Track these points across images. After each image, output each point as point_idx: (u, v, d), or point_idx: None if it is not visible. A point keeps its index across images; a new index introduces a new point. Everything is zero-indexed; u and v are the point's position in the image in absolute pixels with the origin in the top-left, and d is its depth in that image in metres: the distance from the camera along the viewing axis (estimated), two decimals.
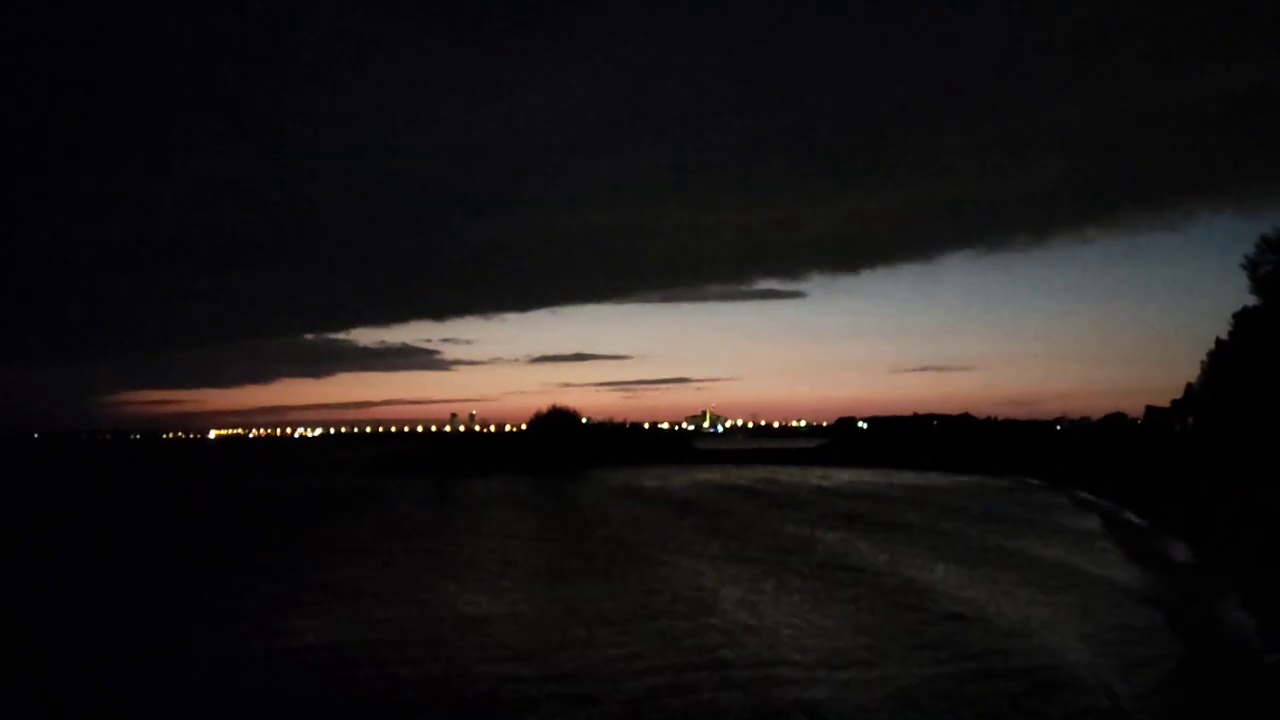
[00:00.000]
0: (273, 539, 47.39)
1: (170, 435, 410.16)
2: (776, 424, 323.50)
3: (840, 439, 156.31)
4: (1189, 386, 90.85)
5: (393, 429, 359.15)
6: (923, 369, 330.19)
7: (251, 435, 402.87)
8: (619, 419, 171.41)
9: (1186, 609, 26.21)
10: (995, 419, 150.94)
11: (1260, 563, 29.81)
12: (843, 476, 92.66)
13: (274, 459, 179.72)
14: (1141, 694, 18.05)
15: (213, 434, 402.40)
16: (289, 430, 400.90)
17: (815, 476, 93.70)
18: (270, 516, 60.77)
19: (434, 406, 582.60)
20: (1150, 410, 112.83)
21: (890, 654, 20.89)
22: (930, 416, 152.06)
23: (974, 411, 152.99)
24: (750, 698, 17.83)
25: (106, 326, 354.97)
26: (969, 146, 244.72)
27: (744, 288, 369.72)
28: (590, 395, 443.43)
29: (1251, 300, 63.81)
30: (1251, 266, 61.27)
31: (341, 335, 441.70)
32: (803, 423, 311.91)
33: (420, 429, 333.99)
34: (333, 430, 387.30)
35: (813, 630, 23.47)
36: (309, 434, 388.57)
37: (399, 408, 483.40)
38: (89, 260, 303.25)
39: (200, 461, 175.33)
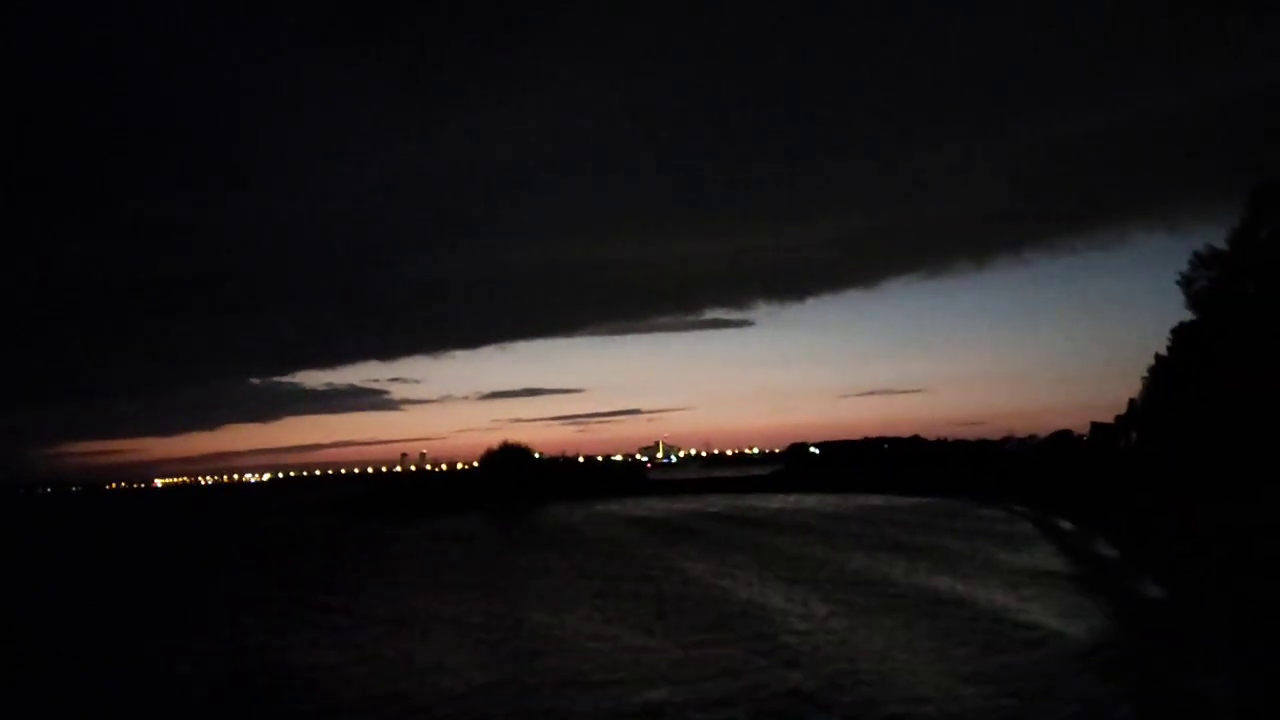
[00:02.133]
0: (220, 589, 46.31)
1: (113, 486, 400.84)
2: (730, 452, 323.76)
3: (794, 465, 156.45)
4: (1132, 402, 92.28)
5: (342, 471, 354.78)
6: (871, 393, 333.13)
7: (200, 482, 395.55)
8: (571, 453, 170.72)
9: (1130, 617, 26.47)
10: (945, 440, 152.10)
11: (1199, 573, 30.16)
12: (809, 502, 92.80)
13: (221, 506, 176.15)
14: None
15: (159, 483, 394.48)
16: (236, 476, 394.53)
17: (781, 501, 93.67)
18: (218, 566, 59.44)
19: (384, 447, 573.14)
20: (1095, 427, 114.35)
21: None
22: (881, 440, 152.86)
23: (924, 433, 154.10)
24: None
25: (43, 376, 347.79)
26: (907, 174, 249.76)
27: (692, 318, 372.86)
28: (542, 430, 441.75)
29: (1188, 316, 65.13)
30: (1186, 283, 62.52)
31: (287, 378, 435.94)
32: (756, 450, 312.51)
33: (370, 470, 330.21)
34: (281, 475, 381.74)
35: None
36: (257, 479, 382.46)
37: (348, 449, 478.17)
38: (23, 309, 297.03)
39: (145, 512, 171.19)
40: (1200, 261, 61.42)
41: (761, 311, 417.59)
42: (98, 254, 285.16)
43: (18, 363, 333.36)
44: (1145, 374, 79.79)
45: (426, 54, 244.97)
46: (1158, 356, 74.41)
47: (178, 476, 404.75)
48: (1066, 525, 56.66)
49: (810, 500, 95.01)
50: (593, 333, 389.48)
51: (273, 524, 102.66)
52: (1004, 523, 61.71)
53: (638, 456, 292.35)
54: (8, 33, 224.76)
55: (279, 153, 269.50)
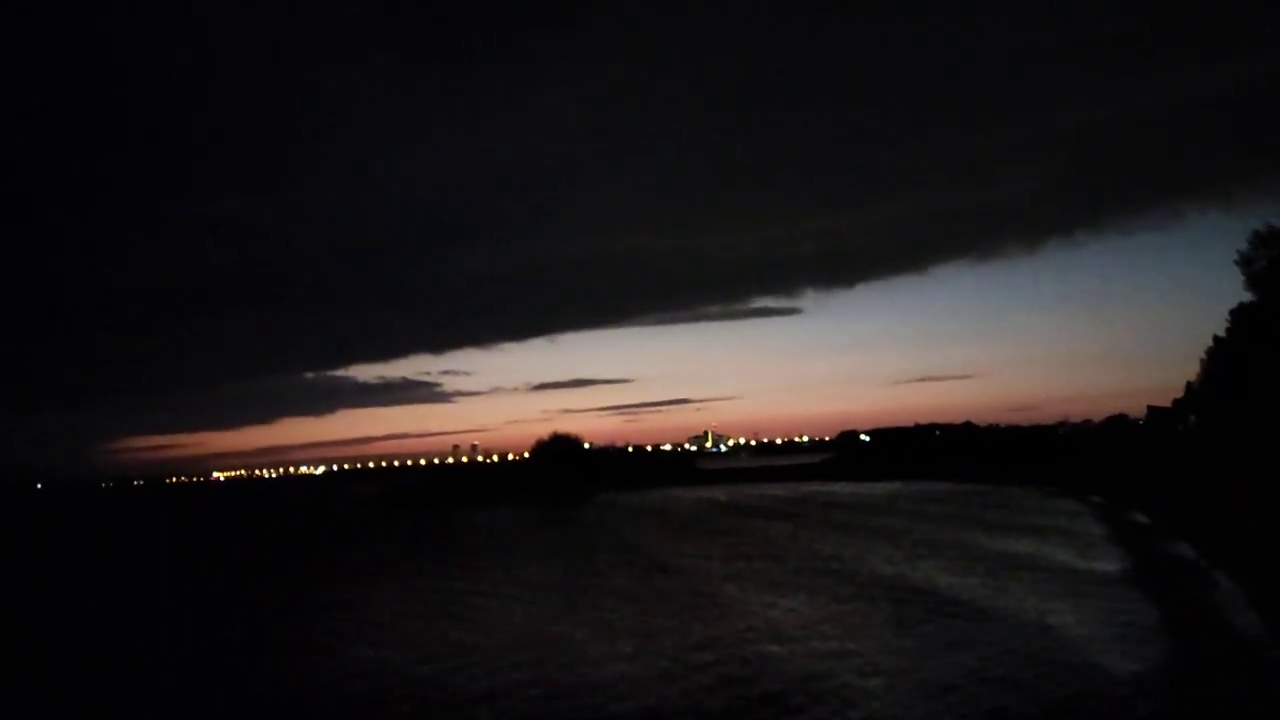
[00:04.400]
0: (282, 579, 47.25)
1: (173, 479, 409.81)
2: (779, 440, 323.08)
3: (844, 453, 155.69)
4: (1189, 385, 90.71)
5: (395, 463, 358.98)
6: (921, 379, 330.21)
7: (258, 475, 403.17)
8: (621, 443, 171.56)
9: (1192, 607, 26.22)
10: (997, 426, 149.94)
11: (1265, 561, 29.72)
12: (879, 488, 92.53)
13: (279, 498, 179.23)
14: (1151, 689, 18.11)
15: (222, 476, 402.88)
16: (292, 469, 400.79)
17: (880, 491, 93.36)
18: (276, 556, 60.66)
19: (435, 439, 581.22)
20: (1152, 410, 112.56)
21: None
22: (932, 426, 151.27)
23: (975, 419, 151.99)
24: None
25: (104, 373, 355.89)
26: (956, 158, 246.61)
27: (740, 307, 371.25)
28: (591, 420, 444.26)
29: (1247, 296, 63.83)
30: (1245, 262, 61.27)
31: (341, 372, 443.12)
32: (805, 438, 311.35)
33: (423, 462, 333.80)
34: (335, 467, 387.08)
35: None
36: (312, 472, 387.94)
37: (401, 442, 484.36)
38: (84, 307, 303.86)
39: (205, 504, 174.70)
40: (1259, 240, 60.18)
41: (809, 299, 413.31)
42: (154, 253, 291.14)
43: (80, 360, 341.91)
44: (1203, 356, 78.38)
45: (475, 50, 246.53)
46: (1216, 338, 73.05)
47: (236, 470, 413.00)
48: (1126, 513, 55.90)
49: (880, 487, 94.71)
50: (641, 323, 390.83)
51: (329, 515, 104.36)
52: (1066, 514, 61.08)
53: (687, 446, 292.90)
54: (59, 41, 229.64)
55: (330, 149, 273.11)
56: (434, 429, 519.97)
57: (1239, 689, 18.50)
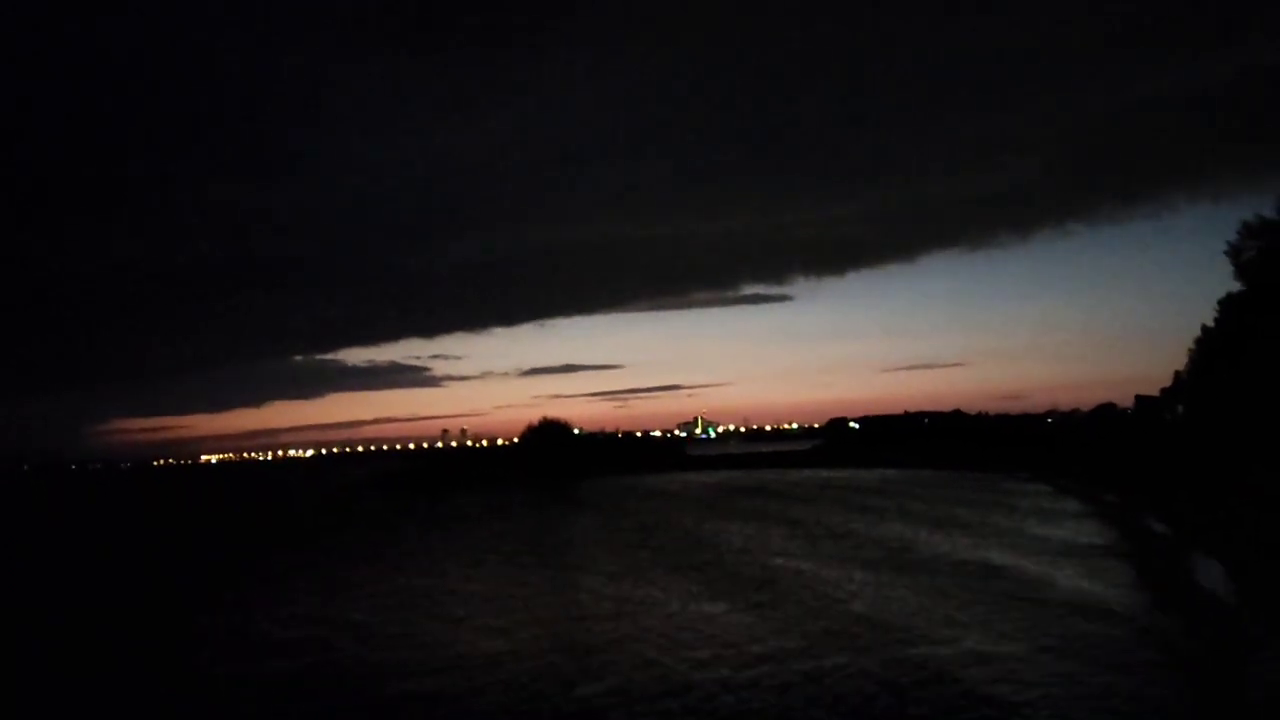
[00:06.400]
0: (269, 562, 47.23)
1: (161, 462, 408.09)
2: (769, 427, 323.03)
3: (834, 440, 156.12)
4: (1178, 374, 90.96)
5: (384, 447, 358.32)
6: (911, 367, 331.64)
7: (247, 458, 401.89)
8: (611, 429, 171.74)
9: (1178, 590, 26.41)
10: (986, 414, 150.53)
11: (1249, 545, 29.95)
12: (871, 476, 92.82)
13: (269, 481, 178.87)
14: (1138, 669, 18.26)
15: (211, 459, 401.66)
16: (282, 452, 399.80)
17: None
18: (267, 540, 60.61)
19: (425, 423, 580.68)
20: (1140, 399, 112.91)
21: None
22: (921, 414, 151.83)
23: (965, 408, 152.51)
24: None
25: (94, 355, 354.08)
26: (948, 146, 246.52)
27: (730, 293, 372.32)
28: (581, 406, 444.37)
29: (1236, 286, 63.99)
30: (1235, 253, 61.30)
31: (331, 356, 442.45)
32: (795, 425, 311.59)
33: (412, 446, 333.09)
34: (324, 451, 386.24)
35: None
36: (301, 455, 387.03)
37: (390, 426, 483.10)
38: (74, 290, 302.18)
39: (194, 487, 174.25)
40: (1249, 231, 60.28)
41: (800, 286, 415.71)
42: (144, 238, 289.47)
43: (69, 343, 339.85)
44: (1191, 346, 78.62)
45: (468, 39, 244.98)
46: (1204, 328, 73.27)
47: (225, 453, 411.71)
48: (1112, 499, 56.28)
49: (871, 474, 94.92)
50: (632, 309, 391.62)
51: (318, 499, 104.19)
52: (1048, 497, 61.44)
53: (677, 432, 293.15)
54: (57, 29, 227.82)
55: (322, 135, 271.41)
56: (424, 413, 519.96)
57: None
